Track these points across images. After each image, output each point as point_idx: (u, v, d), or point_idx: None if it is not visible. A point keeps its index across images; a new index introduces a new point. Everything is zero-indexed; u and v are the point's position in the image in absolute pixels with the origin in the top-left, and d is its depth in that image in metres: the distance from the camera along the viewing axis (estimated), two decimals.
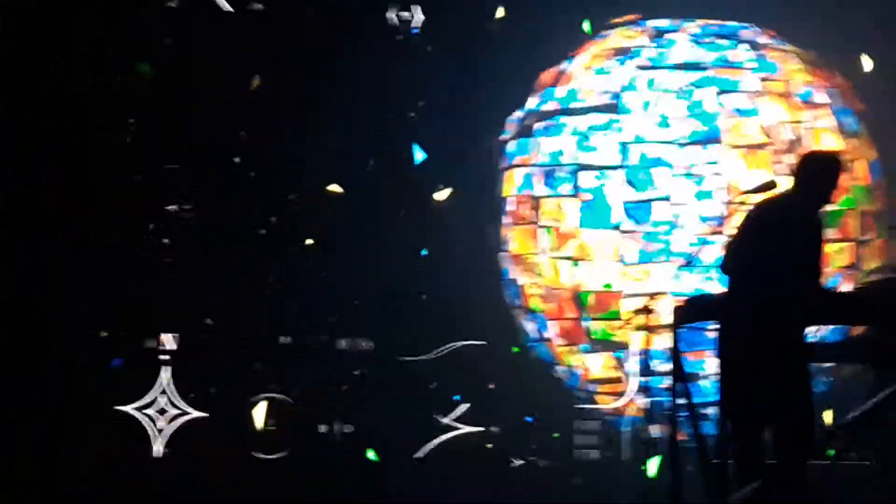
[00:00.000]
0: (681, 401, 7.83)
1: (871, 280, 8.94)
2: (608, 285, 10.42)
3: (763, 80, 10.63)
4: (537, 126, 10.78)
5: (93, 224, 10.65)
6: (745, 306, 7.53)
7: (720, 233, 10.13)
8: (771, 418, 7.67)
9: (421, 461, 10.59)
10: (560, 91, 10.76)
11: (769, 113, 10.54)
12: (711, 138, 10.43)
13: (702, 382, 9.73)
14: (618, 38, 10.87)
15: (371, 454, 10.64)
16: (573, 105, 10.66)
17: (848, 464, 9.17)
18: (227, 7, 10.74)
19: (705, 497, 7.73)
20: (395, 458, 10.56)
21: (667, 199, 10.37)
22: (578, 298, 10.52)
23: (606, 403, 10.67)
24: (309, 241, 10.88)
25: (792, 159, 10.27)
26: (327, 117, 10.73)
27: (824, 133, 10.62)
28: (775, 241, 7.49)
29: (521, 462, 10.70)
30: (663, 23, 10.89)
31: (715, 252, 9.33)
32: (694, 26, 10.83)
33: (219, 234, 10.84)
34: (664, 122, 10.46)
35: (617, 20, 11.02)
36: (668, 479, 7.94)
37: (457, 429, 10.67)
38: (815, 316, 7.99)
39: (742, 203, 10.11)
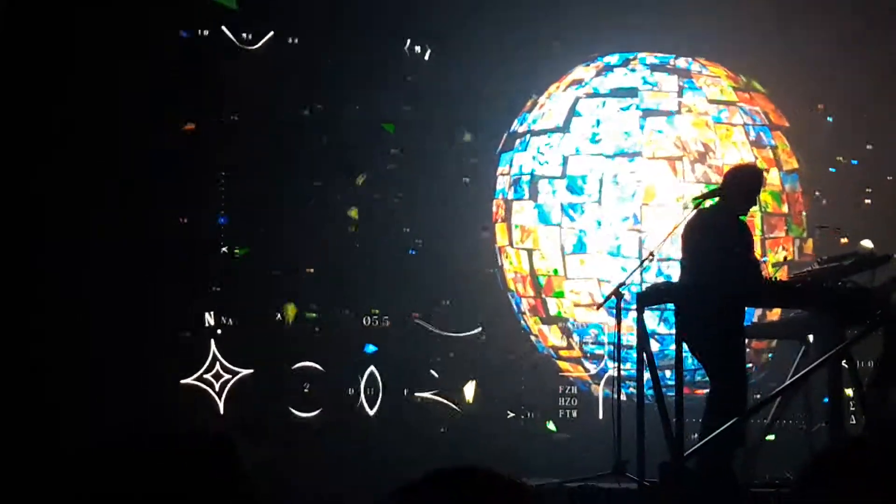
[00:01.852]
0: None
1: (806, 272, 9.50)
2: (556, 271, 12.43)
3: (683, 102, 12.46)
4: (516, 144, 12.84)
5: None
6: (693, 292, 8.74)
7: (637, 230, 12.12)
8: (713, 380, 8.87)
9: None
10: (531, 116, 12.83)
11: (685, 130, 12.38)
12: (634, 152, 12.34)
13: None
14: (578, 70, 12.85)
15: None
16: (534, 127, 12.72)
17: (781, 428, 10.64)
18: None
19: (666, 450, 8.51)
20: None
21: (597, 201, 12.30)
22: (536, 281, 12.61)
23: (565, 367, 12.74)
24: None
25: (703, 168, 12.43)
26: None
27: (735, 146, 12.39)
28: (712, 239, 8.70)
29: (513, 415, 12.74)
30: (613, 59, 12.80)
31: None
32: (635, 60, 12.72)
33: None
34: (594, 139, 12.41)
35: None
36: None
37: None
38: (759, 299, 9.44)
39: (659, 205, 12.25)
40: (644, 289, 9.42)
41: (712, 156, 12.35)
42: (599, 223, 12.31)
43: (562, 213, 12.41)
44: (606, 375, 12.35)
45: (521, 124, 12.90)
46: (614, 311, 9.54)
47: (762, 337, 11.87)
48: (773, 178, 12.40)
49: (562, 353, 12.69)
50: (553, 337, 12.65)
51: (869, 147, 12.99)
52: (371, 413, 12.31)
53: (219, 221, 12.17)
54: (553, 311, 12.58)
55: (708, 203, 8.96)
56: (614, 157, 12.38)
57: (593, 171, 12.38)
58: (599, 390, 12.54)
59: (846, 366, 9.09)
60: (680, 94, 12.56)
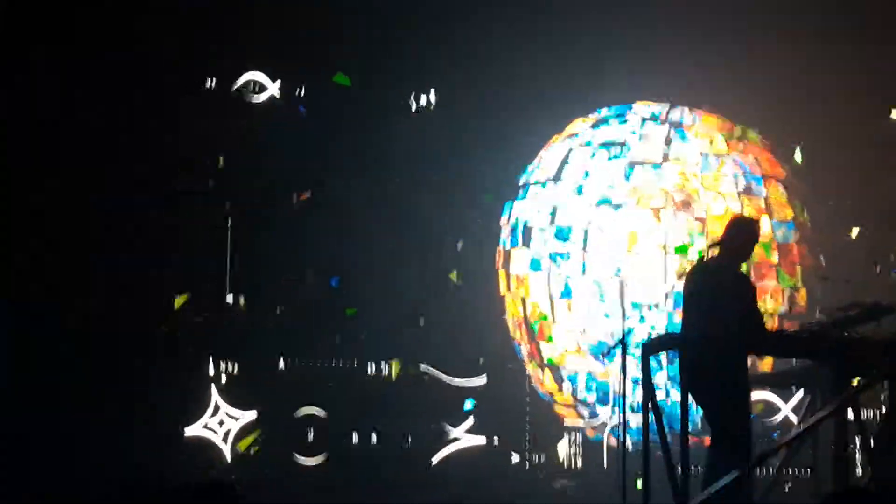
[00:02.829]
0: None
1: (811, 322, 9.41)
2: (544, 317, 12.82)
3: (668, 153, 12.71)
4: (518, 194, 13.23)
5: None
6: (700, 342, 8.51)
7: (620, 278, 12.34)
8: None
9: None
10: (531, 167, 13.22)
11: (670, 179, 12.61)
12: (619, 202, 12.61)
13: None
14: (576, 123, 13.20)
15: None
16: (532, 178, 13.10)
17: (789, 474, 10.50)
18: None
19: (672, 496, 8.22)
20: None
21: (583, 249, 12.60)
22: (529, 327, 12.99)
23: (562, 413, 13.01)
24: None
25: (685, 216, 12.66)
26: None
27: (722, 195, 12.56)
28: (712, 292, 8.52)
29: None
30: (609, 112, 13.08)
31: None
32: (630, 112, 13.02)
33: None
34: (580, 189, 12.76)
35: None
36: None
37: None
38: (763, 350, 9.65)
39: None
40: (649, 338, 9.48)
41: (696, 205, 12.54)
42: (584, 269, 12.58)
43: (550, 260, 12.71)
44: (610, 426, 12.57)
45: (522, 175, 13.27)
46: (600, 357, 9.67)
47: (763, 386, 11.82)
48: (763, 226, 12.41)
49: (557, 398, 12.95)
50: (548, 382, 12.92)
51: None
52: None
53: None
54: (546, 357, 12.87)
55: (708, 255, 8.89)
56: (599, 206, 12.67)
57: (579, 220, 12.68)
58: (604, 435, 12.72)
59: (852, 416, 8.91)
60: (667, 144, 12.79)
